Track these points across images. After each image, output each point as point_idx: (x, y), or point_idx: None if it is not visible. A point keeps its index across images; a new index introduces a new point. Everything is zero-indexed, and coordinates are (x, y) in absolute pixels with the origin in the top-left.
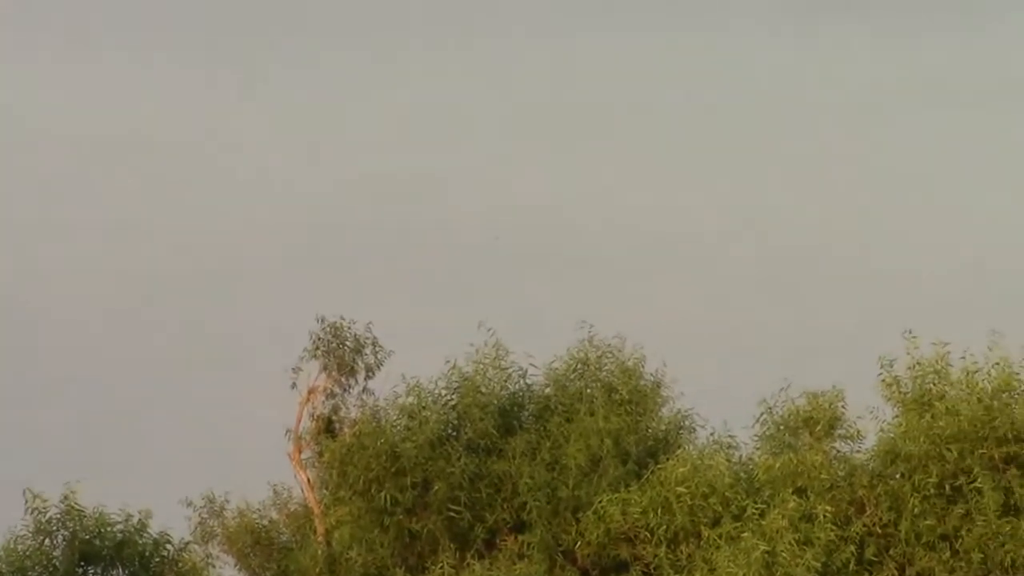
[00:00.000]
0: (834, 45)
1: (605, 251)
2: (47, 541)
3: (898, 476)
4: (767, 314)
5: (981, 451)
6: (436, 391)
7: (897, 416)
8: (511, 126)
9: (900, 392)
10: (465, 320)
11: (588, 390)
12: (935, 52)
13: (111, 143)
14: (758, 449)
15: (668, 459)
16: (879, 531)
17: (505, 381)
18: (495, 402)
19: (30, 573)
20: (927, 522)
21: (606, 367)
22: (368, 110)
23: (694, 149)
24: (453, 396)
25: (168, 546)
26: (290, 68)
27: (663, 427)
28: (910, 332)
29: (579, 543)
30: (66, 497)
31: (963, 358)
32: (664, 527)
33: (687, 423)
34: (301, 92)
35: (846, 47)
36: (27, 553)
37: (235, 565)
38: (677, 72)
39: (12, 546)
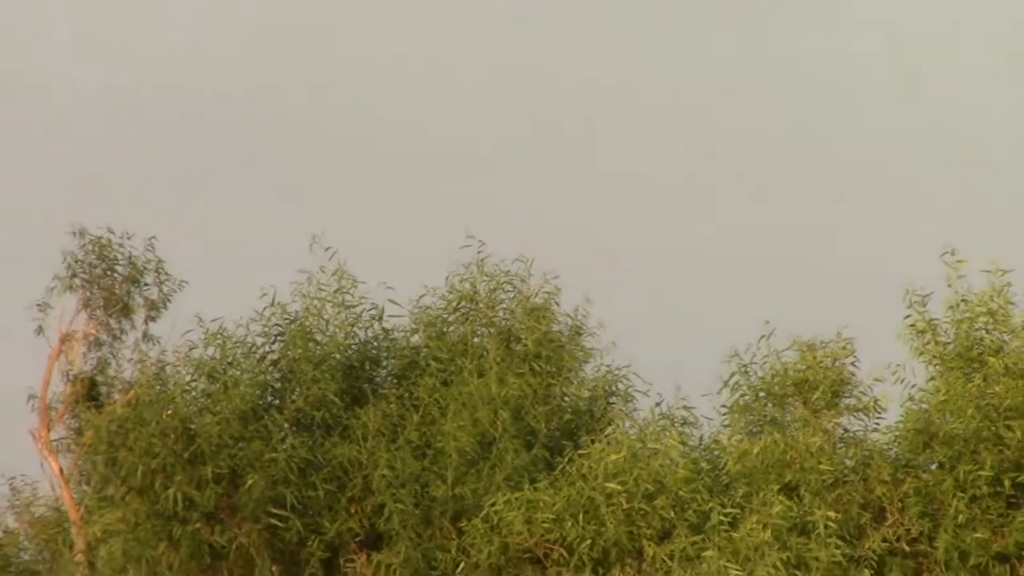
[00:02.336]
0: None
1: (496, 144)
2: None
3: (935, 467)
4: (736, 224)
5: None
6: (249, 340)
7: (933, 378)
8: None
9: (937, 343)
10: (296, 235)
11: (476, 339)
12: None
13: None
14: (727, 427)
15: (594, 441)
16: (907, 548)
17: (352, 325)
18: (337, 356)
19: None
20: (976, 535)
21: (503, 305)
22: None
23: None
24: (274, 347)
25: None
26: None
27: (586, 394)
28: (952, 252)
29: (462, 565)
30: None
31: None
32: (589, 541)
33: (621, 388)
34: None
35: None
36: None
37: None
38: None
39: None
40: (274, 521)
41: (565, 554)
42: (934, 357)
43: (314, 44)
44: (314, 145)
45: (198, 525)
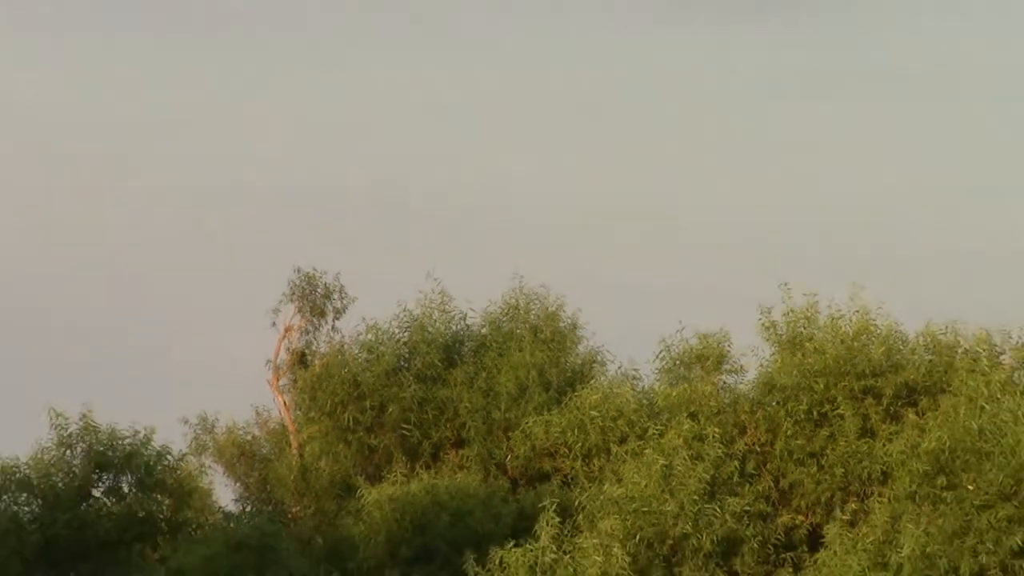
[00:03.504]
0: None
1: (535, 220)
2: (68, 452)
3: (774, 404)
4: (666, 272)
5: (843, 384)
6: (390, 330)
7: (774, 354)
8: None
9: (776, 334)
10: (416, 271)
11: (517, 330)
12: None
13: None
14: (658, 380)
15: (583, 388)
16: (758, 449)
17: (448, 322)
18: (440, 339)
19: (54, 478)
20: (797, 442)
21: (533, 311)
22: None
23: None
24: (405, 334)
25: (169, 457)
26: None
27: (579, 361)
28: (785, 284)
29: (509, 457)
30: (84, 416)
31: (829, 306)
32: (579, 444)
33: (599, 358)
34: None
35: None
36: (51, 462)
37: (223, 473)
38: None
39: (39, 456)
40: (404, 432)
41: (566, 451)
42: (775, 342)
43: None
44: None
45: (361, 434)
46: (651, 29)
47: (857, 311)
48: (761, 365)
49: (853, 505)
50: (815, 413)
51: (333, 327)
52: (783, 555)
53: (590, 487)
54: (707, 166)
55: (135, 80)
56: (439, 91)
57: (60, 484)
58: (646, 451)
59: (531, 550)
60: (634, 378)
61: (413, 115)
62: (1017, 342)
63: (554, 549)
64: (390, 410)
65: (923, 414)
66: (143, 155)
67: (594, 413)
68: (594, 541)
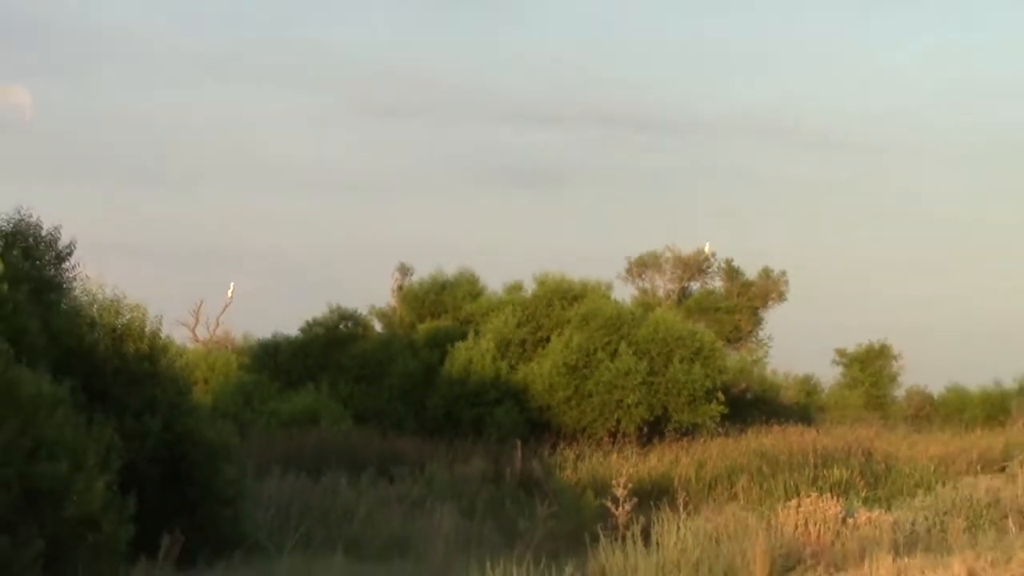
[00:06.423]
0: None
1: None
2: (328, 311)
3: (535, 302)
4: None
5: (555, 296)
6: (426, 279)
7: (537, 287)
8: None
9: (538, 282)
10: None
11: (462, 280)
12: None
13: None
14: (503, 294)
15: (478, 296)
16: (532, 313)
17: (443, 276)
18: (438, 283)
19: (329, 320)
20: (542, 311)
21: (463, 272)
22: None
23: None
24: (429, 279)
25: (359, 312)
26: None
27: (479, 288)
28: (539, 269)
29: (460, 316)
30: (331, 304)
31: (549, 272)
32: (481, 311)
33: (486, 287)
34: None
35: None
36: (325, 315)
37: (377, 321)
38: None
39: (325, 312)
40: (430, 310)
41: (477, 314)
42: (536, 282)
43: None
44: None
45: (418, 309)
46: None
47: (559, 274)
48: (532, 290)
49: (558, 331)
50: (546, 305)
51: (410, 278)
52: (534, 347)
53: (481, 325)
54: None
55: None
56: None
57: (327, 322)
58: (499, 315)
59: (464, 343)
60: (496, 292)
61: None
62: (609, 280)
63: (471, 344)
64: (424, 303)
65: (578, 305)
66: None
67: (484, 302)
68: (483, 341)
